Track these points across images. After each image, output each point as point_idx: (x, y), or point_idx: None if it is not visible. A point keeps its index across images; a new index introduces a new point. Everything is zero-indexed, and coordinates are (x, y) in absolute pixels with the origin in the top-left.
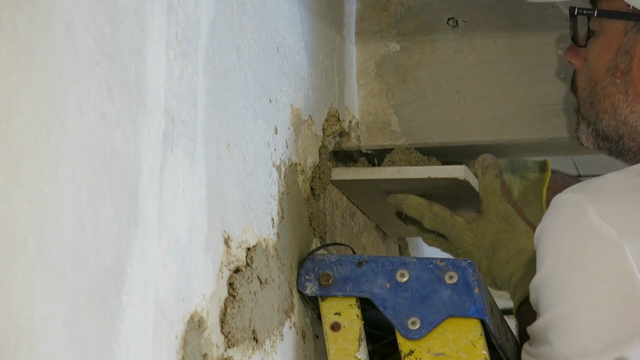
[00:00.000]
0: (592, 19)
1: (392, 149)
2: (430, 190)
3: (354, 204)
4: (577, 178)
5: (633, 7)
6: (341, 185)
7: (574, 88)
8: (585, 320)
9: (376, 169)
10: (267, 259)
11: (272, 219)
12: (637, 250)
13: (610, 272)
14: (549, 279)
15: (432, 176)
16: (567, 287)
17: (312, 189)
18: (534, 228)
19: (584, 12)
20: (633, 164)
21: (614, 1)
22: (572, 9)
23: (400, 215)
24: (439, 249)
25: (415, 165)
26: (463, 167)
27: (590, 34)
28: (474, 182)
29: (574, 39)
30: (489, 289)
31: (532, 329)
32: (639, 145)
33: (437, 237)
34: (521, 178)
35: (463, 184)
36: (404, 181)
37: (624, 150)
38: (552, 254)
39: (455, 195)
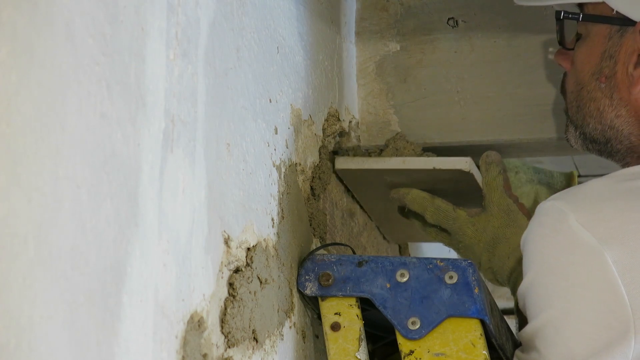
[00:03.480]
0: (580, 24)
1: (396, 134)
2: (434, 184)
3: (355, 199)
4: None
5: (617, 11)
6: (345, 175)
7: (563, 90)
8: (570, 327)
9: (381, 159)
10: (267, 259)
11: (272, 219)
12: (618, 256)
13: (592, 278)
14: (534, 287)
15: (437, 167)
16: (551, 294)
17: (312, 189)
18: None
19: (570, 16)
20: (622, 165)
21: (599, 6)
22: (558, 13)
23: (402, 210)
24: (441, 244)
25: (420, 156)
26: (468, 159)
27: (578, 37)
28: (478, 176)
29: (561, 42)
30: (489, 288)
31: (521, 335)
32: (627, 147)
33: (440, 231)
34: (548, 188)
35: (467, 177)
36: (409, 172)
37: (613, 152)
38: (536, 262)
39: (458, 191)
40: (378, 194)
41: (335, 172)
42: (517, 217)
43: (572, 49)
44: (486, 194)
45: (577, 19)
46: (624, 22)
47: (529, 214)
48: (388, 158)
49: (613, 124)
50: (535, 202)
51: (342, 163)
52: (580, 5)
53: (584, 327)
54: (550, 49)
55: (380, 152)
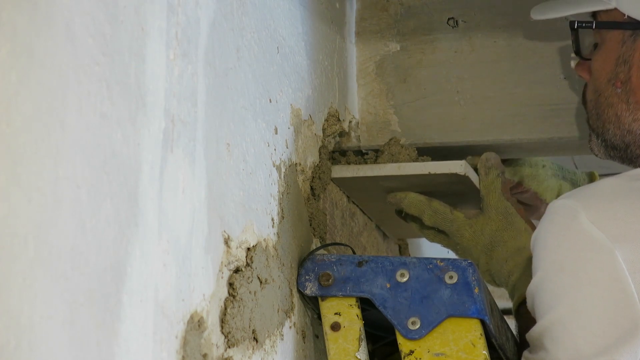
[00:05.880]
0: (595, 32)
1: (391, 139)
2: (431, 187)
3: (354, 203)
4: None
5: (628, 16)
6: (341, 183)
7: (584, 101)
8: (578, 324)
9: (376, 165)
10: (267, 259)
11: (272, 219)
12: (628, 254)
13: (602, 276)
14: (543, 285)
15: (433, 172)
16: (560, 292)
17: (312, 189)
18: (533, 227)
19: (583, 24)
20: None
21: (612, 12)
22: (572, 22)
23: (400, 213)
24: (440, 246)
25: (415, 160)
26: (463, 162)
27: (594, 46)
28: (474, 177)
29: (577, 52)
30: (489, 288)
31: (530, 335)
32: None
33: (438, 233)
34: (572, 184)
35: (463, 180)
36: (404, 177)
37: (633, 157)
38: (546, 260)
39: (455, 192)
40: (375, 197)
41: (331, 179)
42: (514, 220)
43: (590, 59)
44: (484, 196)
45: (591, 27)
46: (636, 26)
47: (526, 216)
48: (383, 165)
49: (631, 128)
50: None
51: (338, 172)
52: (594, 14)
53: (593, 325)
54: (572, 55)
55: (376, 158)
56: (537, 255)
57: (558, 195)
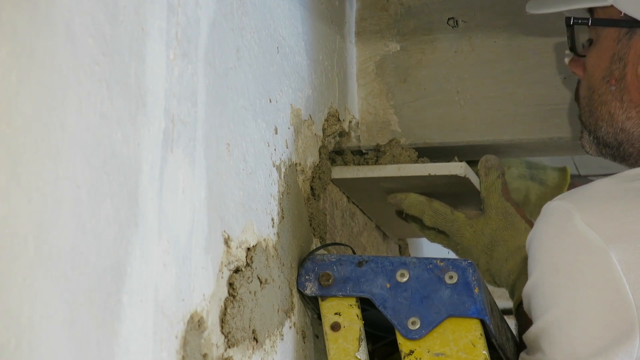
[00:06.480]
0: (590, 29)
1: (391, 140)
2: (431, 189)
3: (354, 203)
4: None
5: (625, 13)
6: (341, 183)
7: (577, 97)
8: (574, 326)
9: (376, 167)
10: (267, 259)
11: (272, 219)
12: (622, 255)
13: (597, 277)
14: (539, 287)
15: (433, 173)
16: (555, 294)
17: (312, 189)
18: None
19: (579, 21)
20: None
21: (608, 9)
22: (567, 19)
23: (400, 214)
24: (440, 246)
25: (415, 162)
26: (463, 164)
27: (589, 43)
28: (474, 179)
29: (572, 49)
30: (489, 288)
31: (526, 336)
32: (639, 150)
33: (438, 233)
34: (540, 184)
35: (463, 181)
36: (404, 179)
37: (625, 156)
38: (541, 262)
39: (455, 194)
40: (375, 198)
41: (331, 180)
42: (514, 220)
43: (584, 56)
44: (485, 197)
45: (587, 24)
46: (632, 24)
47: (526, 216)
48: (383, 166)
49: (624, 127)
50: (526, 198)
51: (338, 172)
52: (590, 10)
53: (588, 326)
54: (567, 52)
55: (376, 158)
56: (532, 257)
57: (525, 197)
